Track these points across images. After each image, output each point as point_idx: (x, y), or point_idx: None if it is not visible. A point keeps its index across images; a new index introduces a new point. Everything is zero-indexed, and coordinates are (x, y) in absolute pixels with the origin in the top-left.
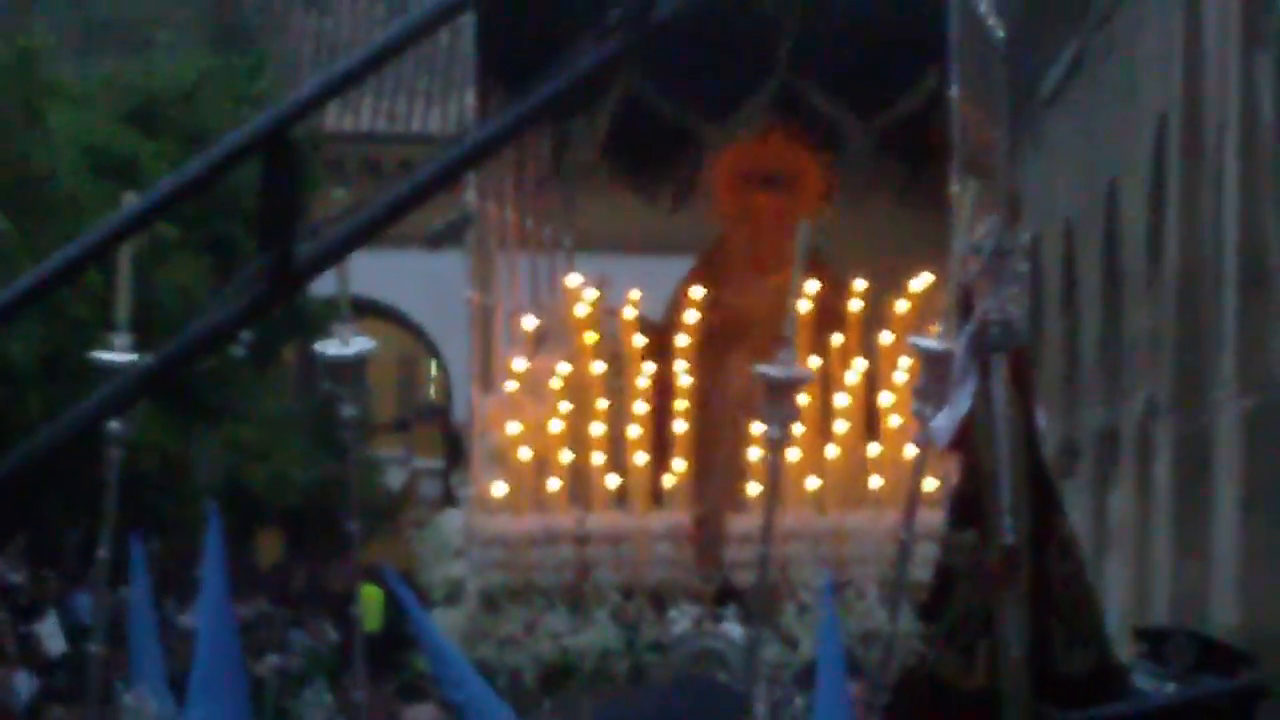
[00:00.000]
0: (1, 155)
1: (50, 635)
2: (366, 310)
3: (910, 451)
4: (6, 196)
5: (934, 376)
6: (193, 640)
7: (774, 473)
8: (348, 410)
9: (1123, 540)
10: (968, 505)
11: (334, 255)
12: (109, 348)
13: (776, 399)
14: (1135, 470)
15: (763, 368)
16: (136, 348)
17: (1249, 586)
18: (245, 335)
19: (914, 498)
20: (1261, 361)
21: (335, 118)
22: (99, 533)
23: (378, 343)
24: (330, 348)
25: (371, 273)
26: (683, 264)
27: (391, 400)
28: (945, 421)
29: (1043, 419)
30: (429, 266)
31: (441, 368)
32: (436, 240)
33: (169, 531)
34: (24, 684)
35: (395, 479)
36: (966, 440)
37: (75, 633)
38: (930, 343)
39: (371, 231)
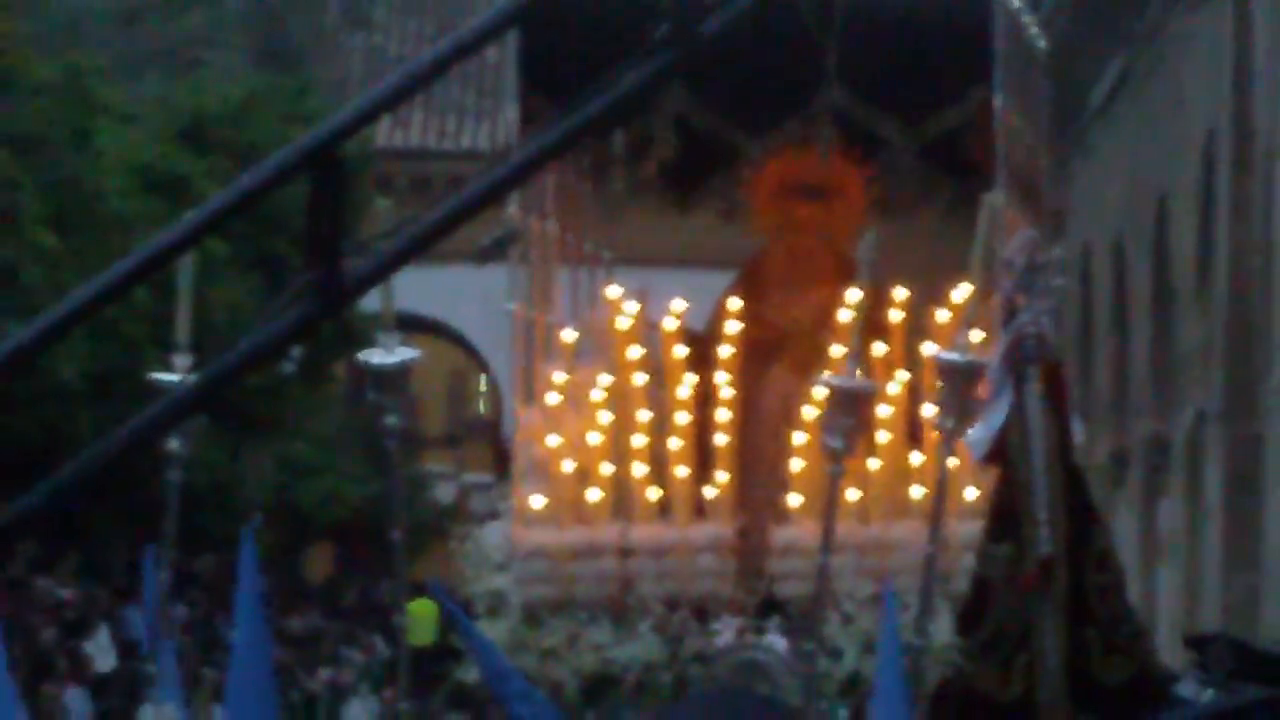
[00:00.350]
0: (51, 174)
1: (100, 651)
2: (416, 325)
3: (951, 462)
4: (56, 215)
5: (955, 389)
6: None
7: (834, 482)
8: (391, 419)
9: (1173, 549)
10: (1004, 517)
11: (383, 271)
12: (163, 367)
13: (841, 410)
14: (1185, 480)
15: (831, 378)
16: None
17: None
18: (295, 351)
19: (938, 510)
20: None
21: (385, 134)
22: (148, 549)
23: (427, 357)
24: (375, 357)
25: (421, 288)
26: (723, 278)
27: (441, 414)
28: (981, 434)
29: (1079, 431)
30: (478, 281)
31: (491, 382)
32: (486, 256)
33: (219, 548)
34: (74, 700)
35: (445, 494)
36: (1002, 452)
37: (126, 648)
38: (952, 355)
39: (420, 248)
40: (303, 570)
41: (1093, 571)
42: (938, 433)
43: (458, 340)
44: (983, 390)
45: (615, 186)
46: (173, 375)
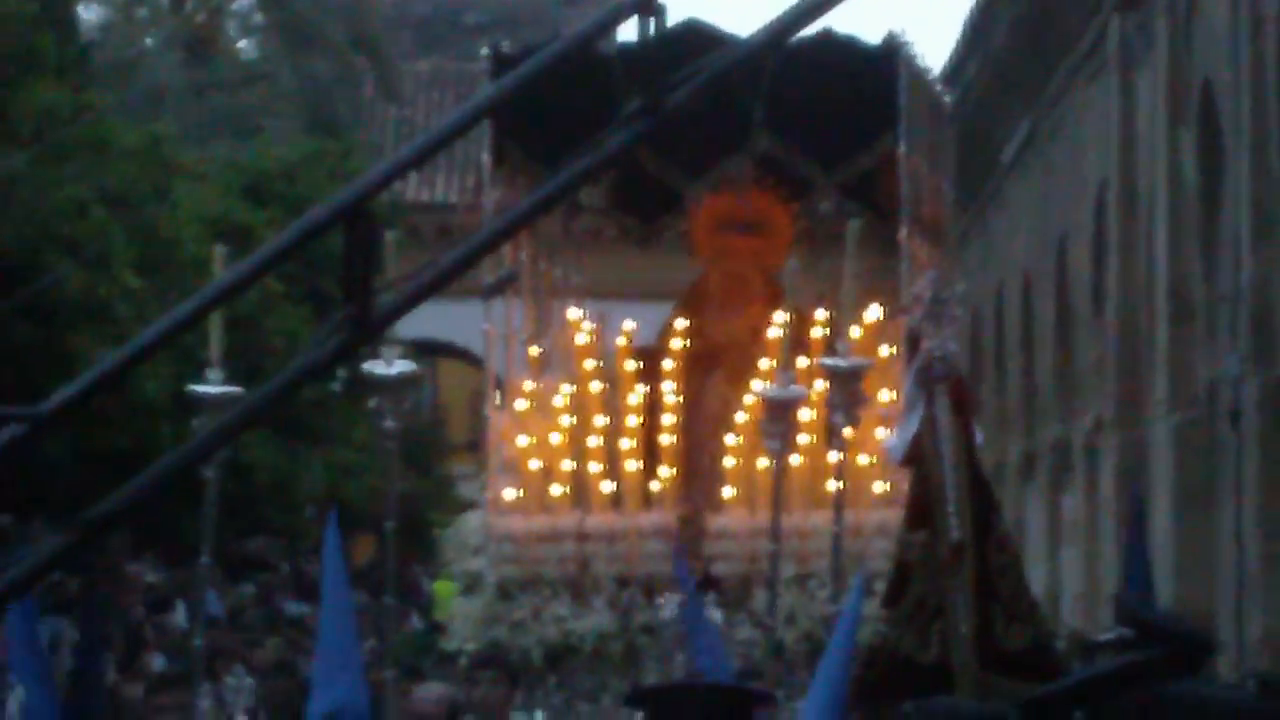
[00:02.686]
0: (135, 225)
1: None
2: (444, 350)
3: (863, 460)
4: (141, 259)
5: (844, 390)
6: (301, 625)
7: (778, 481)
8: (389, 422)
9: (1075, 535)
10: (920, 510)
11: (407, 306)
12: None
13: (776, 416)
14: (1085, 477)
15: (763, 389)
16: (245, 382)
17: (1181, 573)
18: (340, 372)
19: (839, 499)
20: (1188, 386)
21: (414, 190)
22: (215, 539)
23: (452, 377)
24: (377, 368)
25: (448, 319)
26: (670, 307)
27: (464, 424)
28: (899, 440)
29: (980, 437)
30: (493, 314)
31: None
32: (491, 292)
33: (279, 535)
34: (158, 664)
35: (468, 490)
36: (917, 456)
37: (204, 622)
38: (836, 360)
39: (437, 287)
40: (349, 556)
41: (994, 553)
42: (830, 430)
43: (477, 363)
44: (879, 394)
45: (580, 231)
46: (208, 387)
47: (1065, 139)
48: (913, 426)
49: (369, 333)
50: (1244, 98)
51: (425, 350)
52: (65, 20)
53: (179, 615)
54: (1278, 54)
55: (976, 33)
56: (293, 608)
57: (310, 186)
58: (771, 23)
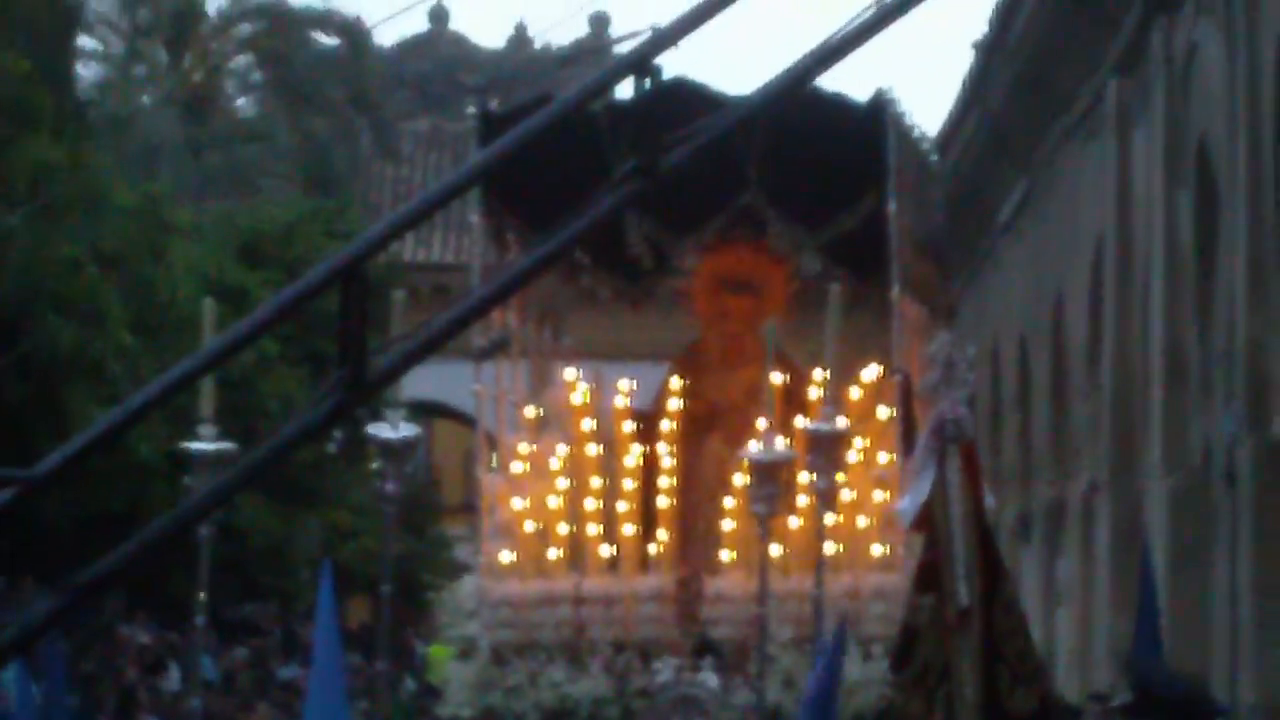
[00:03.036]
0: (130, 283)
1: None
2: (438, 411)
3: (862, 522)
4: (136, 318)
5: (825, 454)
6: (293, 689)
7: (763, 544)
8: (390, 486)
9: (1069, 596)
10: (928, 573)
11: (401, 368)
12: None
13: (763, 478)
14: (1080, 538)
15: (749, 451)
16: (240, 444)
17: (1175, 634)
18: (337, 434)
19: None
20: (1183, 447)
21: (411, 250)
22: (209, 601)
23: (446, 438)
24: (383, 431)
25: (441, 379)
26: (664, 369)
27: (458, 485)
28: (910, 504)
29: (991, 500)
30: (484, 374)
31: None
32: (484, 355)
33: (273, 598)
34: None
35: (462, 552)
36: (927, 519)
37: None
38: (817, 425)
39: (431, 348)
40: (343, 619)
41: (1001, 616)
42: (813, 493)
43: (471, 423)
44: (877, 456)
45: (571, 293)
46: (202, 444)
47: (1061, 199)
48: (924, 489)
49: (365, 393)
50: (1240, 159)
51: (419, 411)
52: (62, 77)
53: (173, 678)
54: (1274, 110)
55: (974, 93)
56: (285, 672)
57: (306, 247)
58: (767, 84)
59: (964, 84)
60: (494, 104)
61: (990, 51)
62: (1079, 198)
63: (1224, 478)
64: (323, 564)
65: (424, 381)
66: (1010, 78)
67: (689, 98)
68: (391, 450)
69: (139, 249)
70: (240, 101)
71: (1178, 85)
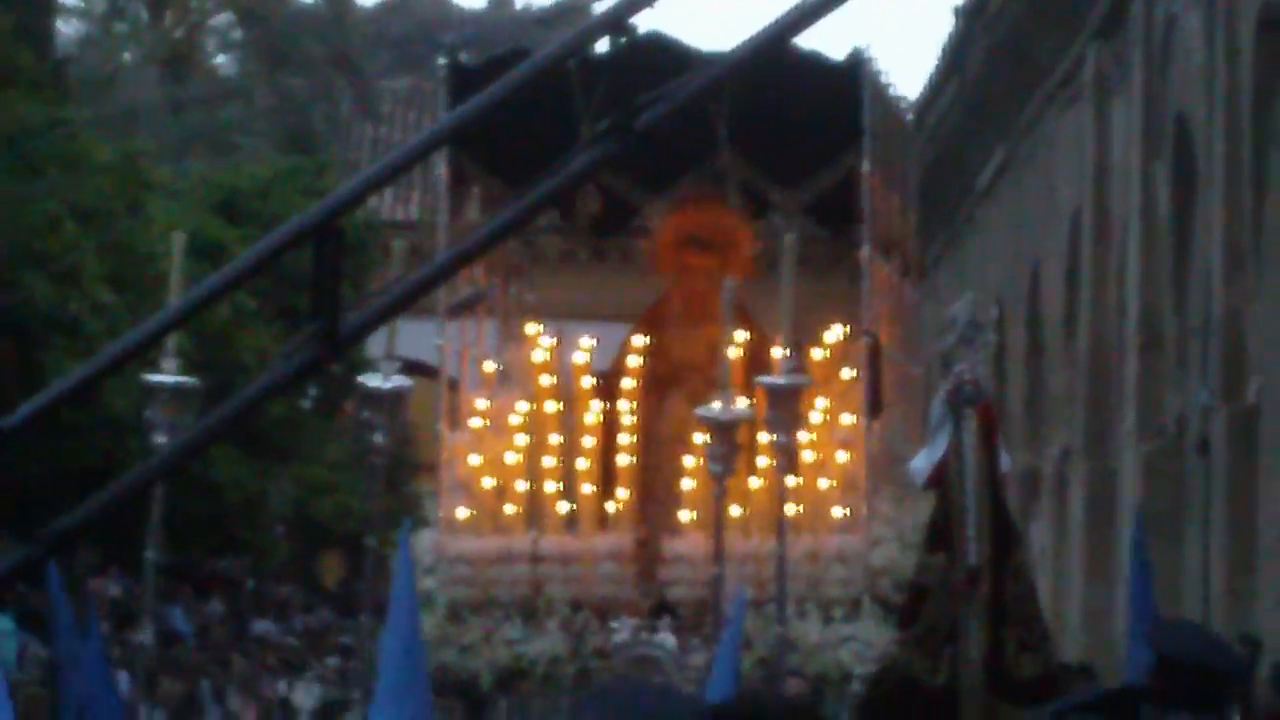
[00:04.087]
0: (110, 241)
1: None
2: (414, 369)
3: (823, 484)
4: (114, 274)
5: (783, 409)
6: (266, 643)
7: (719, 504)
8: (379, 437)
9: (1042, 563)
10: (939, 532)
11: (374, 324)
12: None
13: (719, 438)
14: (1053, 505)
15: (705, 410)
16: (215, 398)
17: None
18: (311, 390)
19: (782, 523)
20: (1158, 416)
21: (389, 208)
22: (185, 557)
23: (421, 396)
24: (371, 380)
25: (418, 337)
26: (628, 329)
27: (430, 442)
28: (924, 463)
29: (1006, 462)
30: (448, 330)
31: None
32: (457, 311)
33: (247, 552)
34: (123, 682)
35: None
36: (942, 478)
37: (167, 638)
38: (774, 379)
39: (404, 305)
40: (318, 574)
41: (1010, 581)
42: (772, 447)
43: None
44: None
45: (548, 250)
46: (163, 377)
47: (1039, 167)
48: (939, 449)
49: (337, 348)
50: (1216, 132)
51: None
52: (42, 34)
53: (146, 632)
54: (1252, 89)
55: (953, 59)
56: (259, 626)
57: (284, 204)
58: (744, 43)
59: (944, 49)
60: (464, 56)
61: (971, 16)
62: (1056, 167)
63: (1198, 447)
64: (402, 529)
65: (401, 340)
66: (990, 43)
67: (663, 53)
68: (380, 400)
69: (118, 205)
70: (220, 60)
71: (1156, 55)
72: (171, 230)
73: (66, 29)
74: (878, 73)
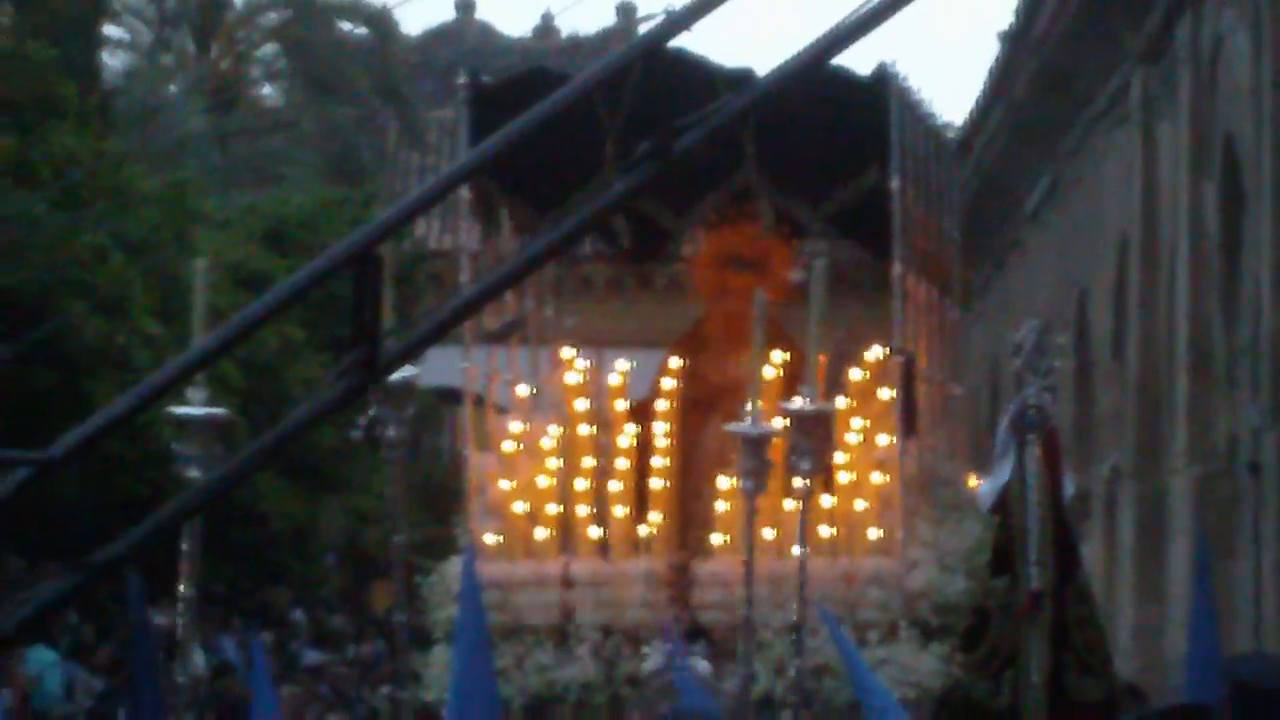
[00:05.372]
0: (157, 271)
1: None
2: (450, 397)
3: (860, 505)
4: (161, 306)
5: (805, 434)
6: (318, 674)
7: (749, 521)
8: (391, 431)
9: (1092, 584)
10: (1002, 557)
11: (413, 351)
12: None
13: (750, 452)
14: (1103, 526)
15: (735, 425)
16: (256, 426)
17: None
18: (360, 420)
19: (803, 543)
20: (1208, 436)
21: (435, 238)
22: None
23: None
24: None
25: (448, 364)
26: (661, 354)
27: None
28: (990, 488)
29: (1071, 488)
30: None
31: None
32: (496, 338)
33: (296, 583)
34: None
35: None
36: (1004, 503)
37: (220, 669)
38: (798, 405)
39: (442, 331)
40: (368, 603)
41: (1073, 604)
42: (796, 474)
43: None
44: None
45: (586, 275)
46: (189, 409)
47: (1086, 190)
48: (1004, 474)
49: (377, 375)
50: (1265, 152)
51: (445, 398)
52: (87, 67)
53: (197, 662)
54: None
55: (998, 84)
56: (310, 656)
57: (331, 234)
58: (782, 64)
59: (989, 74)
60: (485, 76)
61: (1015, 42)
62: (1104, 189)
63: (1248, 468)
64: (467, 551)
65: (442, 369)
66: (1035, 68)
67: (686, 70)
68: (388, 392)
69: (165, 237)
70: (266, 90)
71: (1204, 77)
72: (219, 262)
73: (112, 61)
74: (906, 87)
